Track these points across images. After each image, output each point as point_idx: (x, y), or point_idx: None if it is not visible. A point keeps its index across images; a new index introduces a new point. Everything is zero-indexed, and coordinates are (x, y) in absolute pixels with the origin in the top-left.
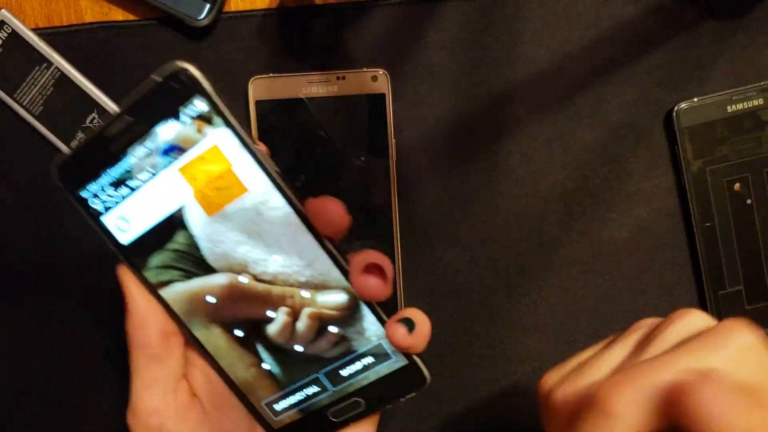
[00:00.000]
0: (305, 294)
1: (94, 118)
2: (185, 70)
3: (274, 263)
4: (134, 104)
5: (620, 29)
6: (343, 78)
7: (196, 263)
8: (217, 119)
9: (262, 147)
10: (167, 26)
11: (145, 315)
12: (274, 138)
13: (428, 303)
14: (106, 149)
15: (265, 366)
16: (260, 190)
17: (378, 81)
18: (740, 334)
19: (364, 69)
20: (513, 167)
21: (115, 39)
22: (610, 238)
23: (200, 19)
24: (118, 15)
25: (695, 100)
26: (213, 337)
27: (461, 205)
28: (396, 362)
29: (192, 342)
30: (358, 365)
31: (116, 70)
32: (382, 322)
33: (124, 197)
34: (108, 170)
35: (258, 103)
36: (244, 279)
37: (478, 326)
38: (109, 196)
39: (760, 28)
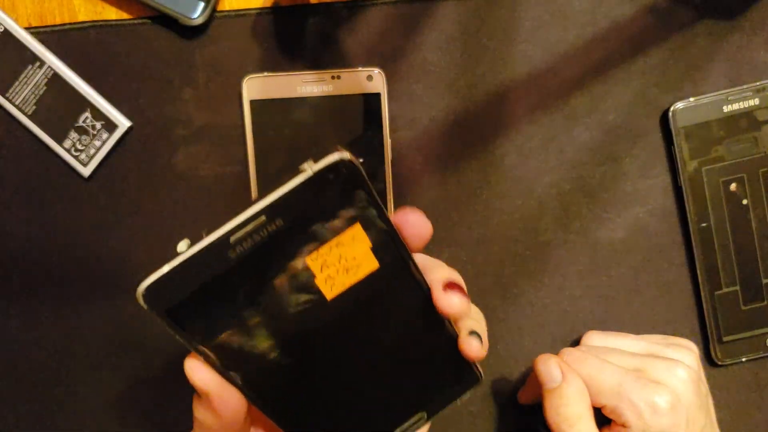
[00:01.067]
0: None
1: (87, 117)
2: (347, 163)
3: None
4: (274, 201)
5: (616, 29)
6: (339, 77)
7: None
8: (368, 209)
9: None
10: (161, 25)
11: (233, 418)
12: (268, 137)
13: None
14: (221, 259)
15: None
16: (388, 265)
17: (373, 80)
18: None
19: (360, 68)
20: (509, 167)
21: (108, 38)
22: (606, 238)
23: (194, 18)
24: (112, 14)
25: (691, 100)
26: None
27: (457, 205)
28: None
29: None
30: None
31: (110, 69)
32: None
33: (240, 317)
34: (224, 292)
35: (252, 102)
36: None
37: None
38: (226, 320)
39: (755, 28)
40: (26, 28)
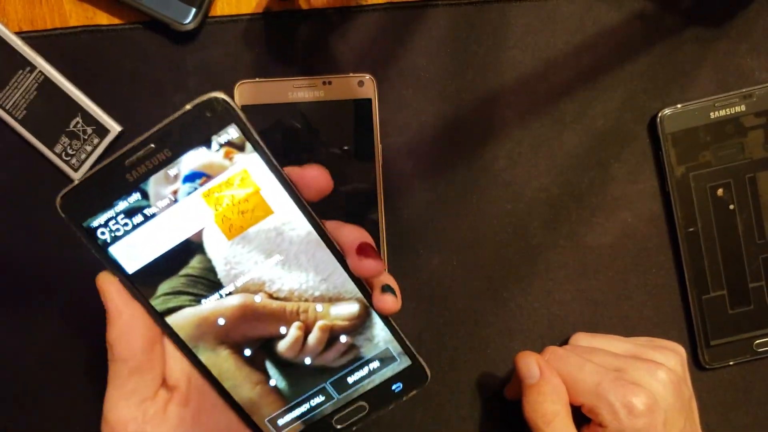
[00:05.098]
0: (319, 308)
1: (77, 122)
2: (219, 99)
3: (290, 280)
4: (163, 132)
5: (604, 35)
6: (330, 83)
7: (209, 286)
8: (247, 146)
9: (285, 171)
10: (152, 30)
11: (128, 325)
12: None
13: (414, 308)
14: (123, 177)
15: (272, 382)
16: (285, 211)
17: (364, 86)
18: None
19: (351, 74)
20: (498, 172)
21: (99, 43)
22: (595, 242)
23: (186, 24)
24: (103, 19)
25: (679, 106)
26: (220, 359)
27: (447, 210)
28: (400, 364)
29: (196, 367)
30: (364, 371)
31: (101, 74)
32: (390, 327)
33: (137, 225)
34: (124, 198)
35: (244, 107)
36: (258, 298)
37: (464, 331)
38: (121, 225)
39: (742, 35)
40: (17, 33)
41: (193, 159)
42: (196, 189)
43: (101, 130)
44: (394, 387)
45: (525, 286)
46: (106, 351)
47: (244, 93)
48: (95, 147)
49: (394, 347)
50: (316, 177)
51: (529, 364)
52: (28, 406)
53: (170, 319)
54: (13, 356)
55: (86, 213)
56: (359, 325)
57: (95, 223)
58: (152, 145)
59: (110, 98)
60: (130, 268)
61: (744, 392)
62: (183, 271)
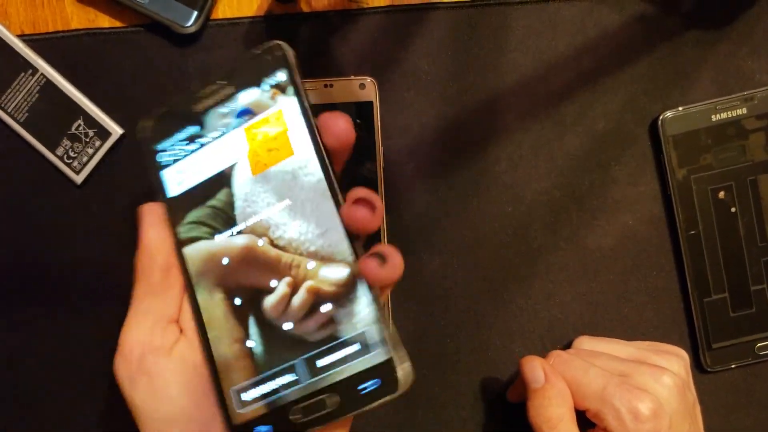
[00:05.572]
0: (310, 265)
1: (79, 125)
2: (279, 46)
3: (292, 228)
4: (230, 72)
5: (605, 37)
6: (331, 86)
7: (225, 221)
8: (290, 89)
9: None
10: (154, 33)
11: (153, 248)
12: None
13: (415, 309)
14: (191, 108)
15: (249, 343)
16: (303, 155)
17: (366, 89)
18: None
19: (352, 77)
20: (499, 174)
21: (101, 46)
22: (595, 244)
23: (188, 26)
24: (105, 22)
25: (680, 109)
26: (213, 303)
27: (448, 212)
28: (375, 357)
29: (191, 305)
30: (337, 355)
31: (102, 76)
32: (376, 306)
33: (190, 152)
34: (187, 127)
35: None
36: (261, 242)
37: (464, 333)
38: (179, 150)
39: (742, 38)
40: (19, 36)
41: (247, 96)
42: (242, 124)
43: (103, 133)
44: (361, 387)
45: (525, 288)
46: (107, 353)
47: None
48: (97, 150)
49: (371, 334)
50: (338, 123)
51: (535, 368)
52: (30, 407)
53: (186, 250)
54: (14, 357)
55: (158, 137)
56: (345, 294)
57: (160, 147)
58: (221, 82)
59: (112, 101)
60: (172, 192)
61: (746, 395)
62: (210, 202)
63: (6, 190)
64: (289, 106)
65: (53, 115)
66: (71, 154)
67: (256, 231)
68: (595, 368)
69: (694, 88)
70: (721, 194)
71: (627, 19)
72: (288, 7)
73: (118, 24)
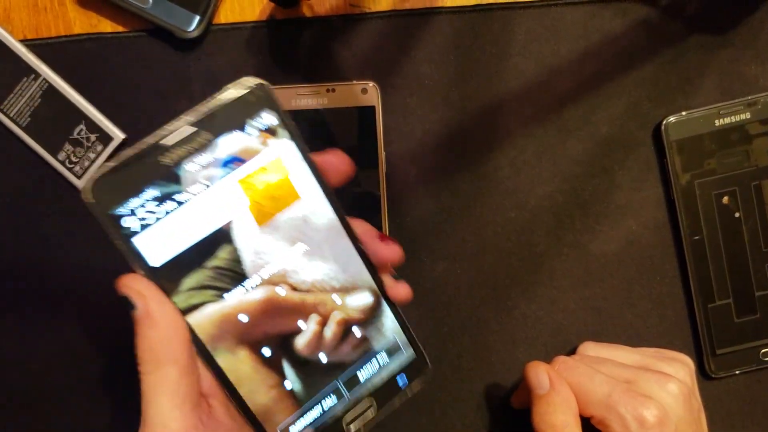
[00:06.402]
0: (336, 299)
1: (81, 129)
2: (260, 85)
3: (312, 270)
4: (200, 115)
5: (608, 42)
6: (333, 90)
7: (234, 279)
8: (282, 132)
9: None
10: (156, 38)
11: (172, 326)
12: None
13: (418, 315)
14: (157, 161)
15: (287, 384)
16: (310, 198)
17: (368, 93)
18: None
19: (354, 81)
20: (502, 179)
21: (103, 51)
22: (599, 250)
23: (190, 31)
24: (107, 27)
25: (683, 114)
26: (238, 361)
27: (451, 218)
28: (405, 355)
29: (212, 371)
30: (374, 365)
31: (105, 82)
32: (398, 317)
33: (168, 212)
34: (156, 183)
35: None
36: (281, 291)
37: (467, 338)
38: (149, 212)
39: (746, 43)
40: (21, 41)
41: (230, 142)
42: (229, 174)
43: (105, 138)
44: (399, 381)
45: (529, 294)
46: (107, 354)
47: None
48: (99, 154)
49: (401, 338)
50: (338, 162)
51: (539, 374)
52: (30, 407)
53: (191, 318)
54: (17, 361)
55: (114, 200)
56: (372, 316)
57: (122, 211)
58: (192, 128)
59: (114, 106)
60: (156, 261)
61: (750, 401)
62: (209, 264)
63: (8, 194)
64: (286, 151)
65: (55, 120)
66: (73, 158)
67: (273, 281)
68: (600, 375)
69: (697, 92)
70: (725, 199)
71: (630, 24)
72: (290, 11)
73: (120, 29)
